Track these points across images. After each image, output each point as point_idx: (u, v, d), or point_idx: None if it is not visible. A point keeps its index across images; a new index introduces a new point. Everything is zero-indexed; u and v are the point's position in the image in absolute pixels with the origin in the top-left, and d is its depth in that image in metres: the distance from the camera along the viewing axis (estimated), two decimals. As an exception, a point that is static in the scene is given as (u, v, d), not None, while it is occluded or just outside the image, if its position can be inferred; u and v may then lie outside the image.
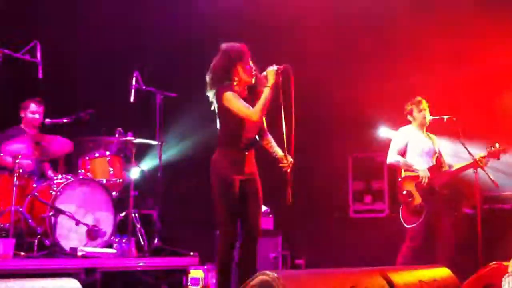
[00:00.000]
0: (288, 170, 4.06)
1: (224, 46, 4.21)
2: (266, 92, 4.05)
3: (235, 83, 4.14)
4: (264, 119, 4.25)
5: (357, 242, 7.03)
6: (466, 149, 5.27)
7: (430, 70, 6.80)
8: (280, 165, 4.09)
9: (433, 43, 6.74)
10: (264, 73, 4.14)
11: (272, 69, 4.10)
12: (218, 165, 4.10)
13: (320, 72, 6.74)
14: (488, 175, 5.26)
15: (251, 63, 4.17)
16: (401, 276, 2.83)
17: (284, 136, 4.01)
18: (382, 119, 7.25)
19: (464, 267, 4.13)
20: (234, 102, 4.04)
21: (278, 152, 4.20)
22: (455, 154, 5.79)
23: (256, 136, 4.24)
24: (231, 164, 4.07)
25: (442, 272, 3.16)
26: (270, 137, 4.31)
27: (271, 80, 4.06)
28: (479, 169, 5.29)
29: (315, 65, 6.70)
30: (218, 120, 4.19)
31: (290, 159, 4.08)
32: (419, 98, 5.58)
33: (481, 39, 6.45)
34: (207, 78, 4.19)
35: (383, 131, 7.42)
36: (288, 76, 4.05)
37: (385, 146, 6.95)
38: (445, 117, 5.44)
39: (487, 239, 5.30)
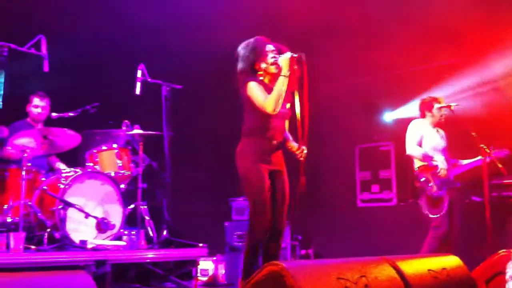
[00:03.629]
0: (302, 159, 4.05)
1: (246, 42, 4.20)
2: (279, 82, 3.98)
3: (261, 76, 4.14)
4: (287, 122, 4.23)
5: (366, 231, 7.04)
6: (474, 137, 5.26)
7: (433, 57, 6.77)
8: (296, 156, 4.07)
9: (437, 31, 6.69)
10: (278, 61, 4.10)
11: (285, 58, 4.02)
12: (243, 154, 4.05)
13: (325, 63, 6.71)
14: (497, 163, 5.26)
15: (272, 54, 4.14)
16: (410, 265, 2.82)
17: (298, 124, 3.93)
18: (388, 107, 7.25)
19: (473, 255, 4.13)
20: (254, 91, 4.02)
21: (294, 146, 4.19)
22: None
23: (285, 124, 4.20)
24: (257, 153, 4.02)
25: (451, 261, 3.15)
26: (290, 139, 4.29)
27: (285, 69, 4.00)
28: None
29: (320, 56, 6.67)
30: (243, 110, 4.15)
31: (304, 149, 4.07)
32: (441, 97, 5.66)
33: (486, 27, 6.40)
34: (236, 69, 4.18)
35: (388, 116, 7.43)
36: (302, 65, 3.98)
37: (391, 135, 6.96)
38: (452, 104, 5.44)
39: (496, 227, 5.30)
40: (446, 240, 5.30)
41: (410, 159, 5.60)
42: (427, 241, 5.31)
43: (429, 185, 5.36)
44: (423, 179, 5.40)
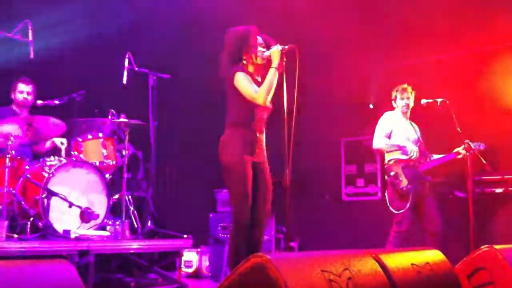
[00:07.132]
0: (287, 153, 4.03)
1: (233, 29, 4.16)
2: (270, 74, 3.97)
3: (246, 64, 4.11)
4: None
5: (350, 225, 7.08)
6: (459, 133, 5.28)
7: (422, 51, 6.79)
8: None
9: (423, 24, 6.69)
10: (268, 53, 4.06)
11: (276, 49, 4.00)
12: (228, 145, 4.02)
13: (313, 56, 6.70)
14: (481, 159, 5.27)
15: (261, 46, 4.11)
16: (393, 259, 2.83)
17: (285, 118, 3.88)
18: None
19: (456, 250, 4.17)
20: (242, 82, 3.99)
21: None
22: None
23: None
24: (242, 144, 3.99)
25: (434, 255, 3.16)
26: None
27: (275, 61, 3.97)
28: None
29: (307, 49, 6.66)
30: (228, 100, 4.11)
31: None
32: (404, 85, 5.53)
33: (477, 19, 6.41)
34: (220, 59, 4.14)
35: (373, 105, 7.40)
36: (294, 57, 3.92)
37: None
38: (439, 100, 5.42)
39: (479, 223, 5.33)
40: (430, 235, 5.24)
41: (383, 153, 5.50)
42: (390, 237, 5.25)
43: (399, 179, 5.27)
44: (392, 173, 5.31)
